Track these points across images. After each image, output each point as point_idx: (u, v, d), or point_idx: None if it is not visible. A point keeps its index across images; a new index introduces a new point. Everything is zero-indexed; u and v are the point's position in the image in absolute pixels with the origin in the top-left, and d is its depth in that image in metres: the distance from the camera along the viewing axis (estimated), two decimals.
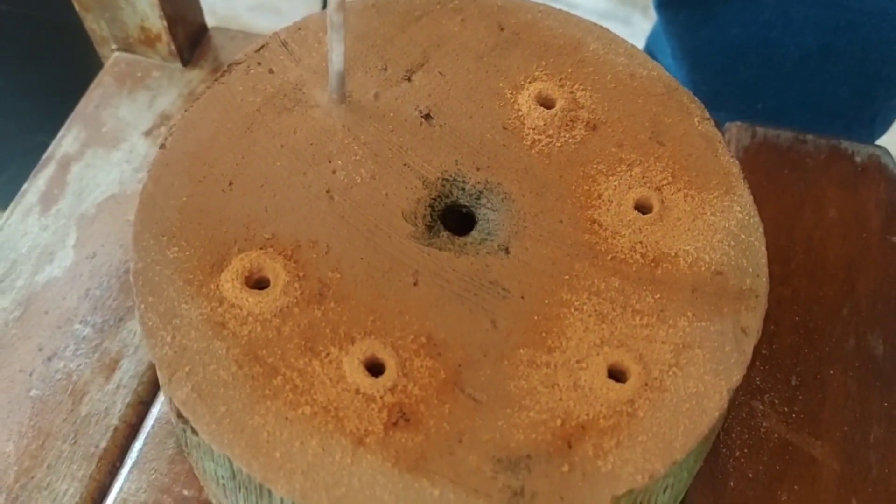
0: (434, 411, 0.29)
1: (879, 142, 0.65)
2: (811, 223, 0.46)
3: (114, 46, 0.52)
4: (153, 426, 0.39)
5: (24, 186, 0.47)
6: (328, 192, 0.33)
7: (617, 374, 0.30)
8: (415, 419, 0.28)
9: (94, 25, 0.51)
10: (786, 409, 0.40)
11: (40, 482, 0.38)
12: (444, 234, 0.33)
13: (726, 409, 0.30)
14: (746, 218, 0.33)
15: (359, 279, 0.31)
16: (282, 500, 0.28)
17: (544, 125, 0.35)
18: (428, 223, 0.33)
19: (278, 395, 0.28)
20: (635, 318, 0.31)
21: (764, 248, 0.33)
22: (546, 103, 0.36)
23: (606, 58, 0.37)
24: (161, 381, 0.30)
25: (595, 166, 0.34)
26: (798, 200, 0.47)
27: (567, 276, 0.32)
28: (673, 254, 0.32)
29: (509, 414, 0.29)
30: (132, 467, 0.38)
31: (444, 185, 0.34)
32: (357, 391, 0.29)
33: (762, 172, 0.47)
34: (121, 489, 0.38)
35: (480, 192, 0.34)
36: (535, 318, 0.31)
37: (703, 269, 0.32)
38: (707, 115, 0.36)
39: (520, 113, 0.36)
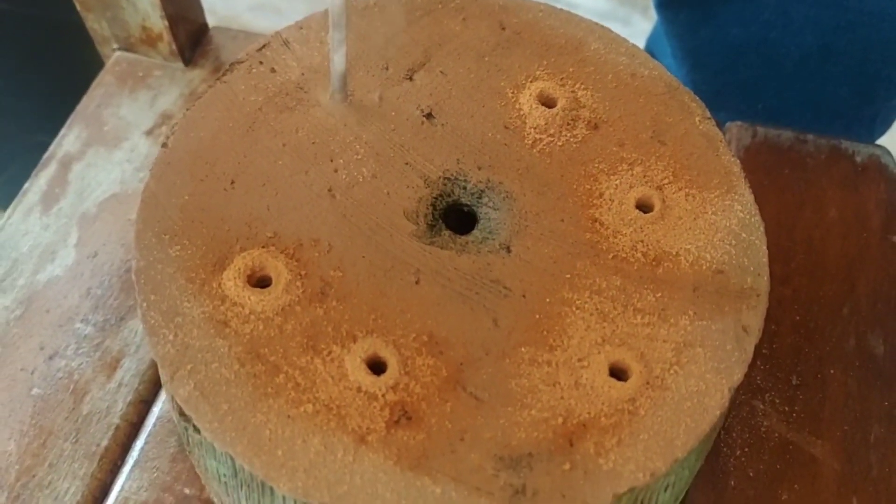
0: (436, 409, 0.29)
1: (880, 142, 0.65)
2: (811, 223, 0.46)
3: (115, 46, 0.52)
4: (154, 425, 0.39)
5: (26, 186, 0.47)
6: (330, 190, 0.33)
7: (618, 373, 0.30)
8: (416, 417, 0.28)
9: (96, 25, 0.51)
10: (786, 408, 0.40)
11: (42, 481, 0.38)
12: (446, 232, 0.33)
13: (727, 407, 0.30)
14: (747, 217, 0.33)
15: (360, 278, 0.31)
16: (284, 498, 0.28)
17: (546, 124, 0.35)
18: (429, 222, 0.33)
19: (280, 394, 0.28)
20: (637, 317, 0.31)
21: (765, 247, 0.33)
22: (547, 102, 0.36)
23: (608, 57, 0.37)
24: (163, 380, 0.30)
25: (596, 165, 0.34)
26: (798, 200, 0.47)
27: (568, 275, 0.32)
28: (674, 253, 0.32)
29: (511, 412, 0.29)
30: (133, 466, 0.38)
31: (445, 184, 0.34)
32: (359, 389, 0.29)
33: (762, 172, 0.48)
34: (122, 488, 0.38)
35: (482, 191, 0.34)
36: (537, 316, 0.31)
37: (704, 267, 0.32)
38: (708, 114, 0.36)
39: (521, 112, 0.36)
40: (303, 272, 0.31)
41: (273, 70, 0.36)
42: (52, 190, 0.47)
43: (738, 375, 0.30)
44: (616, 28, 0.39)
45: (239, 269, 0.31)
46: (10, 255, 0.45)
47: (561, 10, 0.39)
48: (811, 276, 0.44)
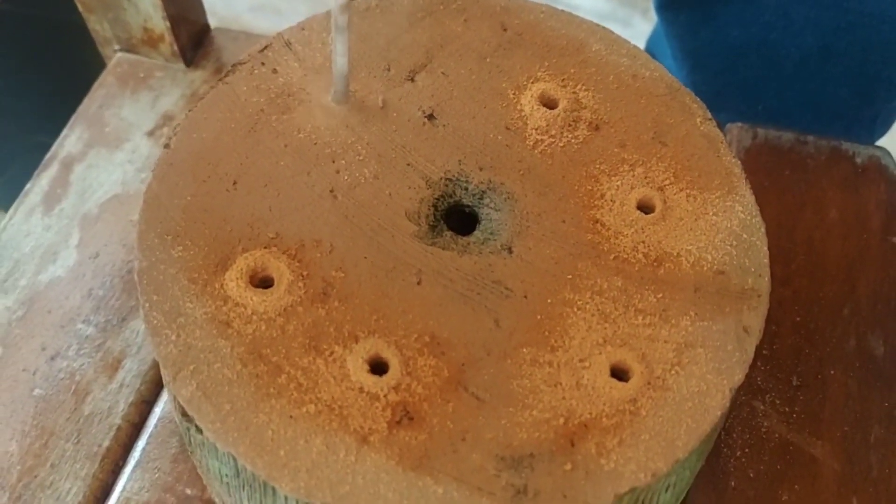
0: (437, 410, 0.29)
1: (880, 143, 0.65)
2: (812, 224, 0.46)
3: (116, 47, 0.52)
4: (156, 425, 0.40)
5: (27, 186, 0.47)
6: (332, 191, 0.33)
7: (619, 373, 0.30)
8: (418, 417, 0.28)
9: (97, 26, 0.51)
10: (787, 409, 0.40)
11: (43, 481, 0.38)
12: (448, 233, 0.33)
13: (728, 407, 0.30)
14: (748, 218, 0.33)
15: (362, 278, 0.31)
16: (286, 498, 0.28)
17: (547, 125, 0.35)
18: (431, 223, 0.33)
19: (283, 394, 0.29)
20: (638, 318, 0.31)
21: (766, 248, 0.33)
22: (549, 104, 0.36)
23: (609, 58, 0.37)
24: (165, 380, 0.30)
25: (598, 166, 0.34)
26: (799, 201, 0.47)
27: (570, 276, 0.32)
28: (675, 253, 0.32)
29: (512, 412, 0.29)
30: (135, 466, 0.38)
31: (447, 185, 0.34)
32: (361, 390, 0.29)
33: (763, 173, 0.48)
34: (124, 488, 0.38)
35: (483, 192, 0.34)
36: (538, 317, 0.31)
37: (705, 268, 0.32)
38: (709, 115, 0.36)
39: (523, 113, 0.36)
40: (305, 273, 0.31)
41: (275, 71, 0.36)
42: (54, 191, 0.47)
43: (738, 376, 0.30)
44: (616, 29, 0.39)
45: (241, 269, 0.31)
46: (11, 256, 0.45)
47: (562, 11, 0.39)
48: (811, 277, 0.44)
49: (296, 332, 0.30)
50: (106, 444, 0.39)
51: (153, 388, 0.41)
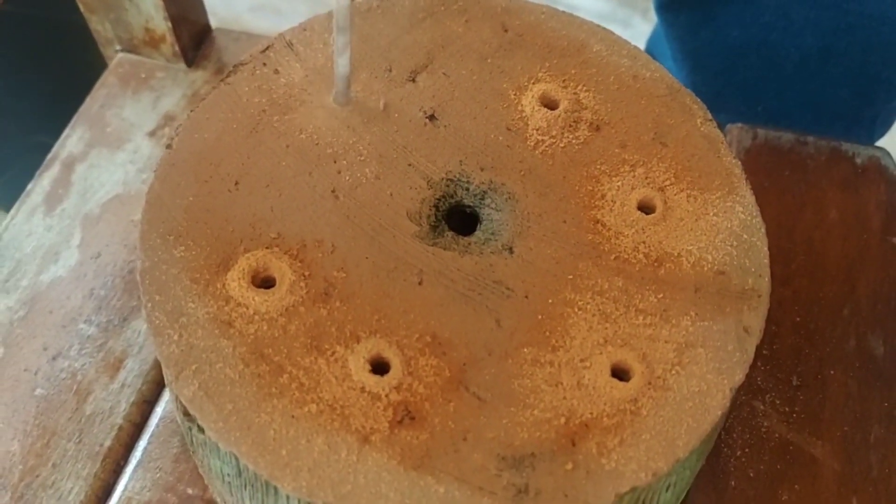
0: (439, 409, 0.29)
1: (880, 143, 0.65)
2: (812, 224, 0.46)
3: (118, 47, 0.52)
4: (157, 425, 0.40)
5: (29, 186, 0.48)
6: (333, 192, 0.33)
7: (620, 373, 0.30)
8: (420, 417, 0.29)
9: (99, 26, 0.51)
10: (787, 409, 0.40)
11: (45, 481, 0.38)
12: (449, 233, 0.33)
13: (729, 407, 0.30)
14: (749, 218, 0.34)
15: (364, 278, 0.31)
16: (288, 497, 0.28)
17: (548, 126, 0.35)
18: (432, 223, 0.33)
19: (284, 394, 0.29)
20: (638, 318, 0.31)
21: (766, 249, 0.33)
22: (549, 104, 0.36)
23: (610, 59, 0.37)
24: (167, 380, 0.30)
25: (598, 167, 0.35)
26: (799, 202, 0.47)
27: (571, 276, 0.32)
28: (676, 254, 0.33)
29: (513, 412, 0.29)
30: (136, 466, 0.39)
31: (448, 186, 0.34)
32: (362, 389, 0.29)
33: (763, 174, 0.48)
34: (125, 488, 0.38)
35: (484, 193, 0.34)
36: (539, 317, 0.31)
37: (705, 268, 0.32)
38: (709, 116, 0.36)
39: (523, 114, 0.36)
40: (306, 273, 0.31)
41: (276, 71, 0.36)
42: (56, 191, 0.47)
43: (739, 376, 0.30)
44: (616, 30, 0.39)
45: (243, 269, 0.31)
46: (13, 256, 0.45)
47: (563, 12, 0.39)
48: (811, 277, 0.44)
49: (297, 332, 0.30)
50: (107, 443, 0.39)
51: (154, 388, 0.41)
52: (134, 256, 0.44)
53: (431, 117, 0.36)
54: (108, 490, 0.39)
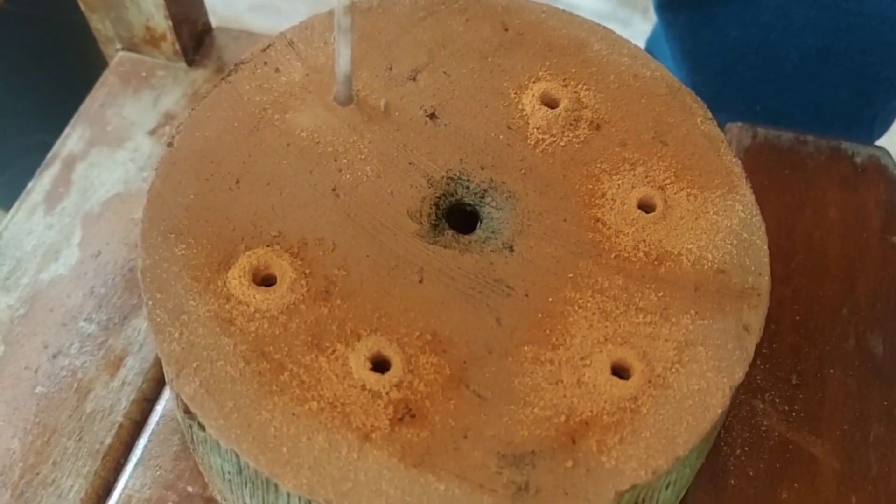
0: (439, 407, 0.29)
1: (879, 143, 0.65)
2: (811, 223, 0.46)
3: (118, 46, 0.52)
4: (158, 423, 0.40)
5: (30, 185, 0.48)
6: (334, 190, 0.33)
7: (620, 371, 0.30)
8: (420, 415, 0.29)
9: (100, 25, 0.51)
10: (786, 407, 0.41)
11: (45, 478, 0.38)
12: (449, 232, 0.33)
13: (728, 405, 0.30)
14: (749, 217, 0.34)
15: (364, 276, 0.31)
16: (288, 494, 0.28)
17: (548, 125, 0.35)
18: (433, 221, 0.33)
19: (285, 391, 0.29)
20: (639, 316, 0.31)
21: (766, 247, 0.33)
22: (550, 103, 0.36)
23: (610, 58, 0.37)
24: (168, 377, 0.30)
25: (599, 165, 0.35)
26: (798, 201, 0.47)
27: (571, 274, 0.32)
28: (676, 252, 0.33)
29: (514, 410, 0.29)
30: (137, 464, 0.39)
31: (448, 184, 0.34)
32: (363, 387, 0.29)
33: (763, 173, 0.48)
34: (125, 486, 0.38)
35: (485, 191, 0.34)
36: (540, 315, 0.31)
37: (705, 267, 0.32)
38: (710, 115, 0.36)
39: (524, 113, 0.36)
40: (307, 271, 0.31)
41: (277, 70, 0.36)
42: (56, 189, 0.47)
43: (739, 374, 0.30)
44: (616, 29, 0.39)
45: (244, 267, 0.31)
46: (13, 254, 0.45)
47: (563, 11, 0.39)
48: (811, 276, 0.44)
49: (298, 330, 0.30)
50: (108, 441, 0.39)
51: (155, 386, 0.41)
52: (134, 255, 0.44)
53: (432, 116, 0.36)
54: (108, 488, 0.39)
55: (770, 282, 0.32)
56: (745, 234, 0.33)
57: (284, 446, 0.28)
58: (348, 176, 0.34)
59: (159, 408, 0.40)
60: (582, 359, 0.30)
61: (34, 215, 0.46)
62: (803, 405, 0.41)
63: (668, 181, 0.34)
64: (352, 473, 0.27)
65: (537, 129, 0.35)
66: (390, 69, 0.37)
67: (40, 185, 0.48)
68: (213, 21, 0.54)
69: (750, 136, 0.49)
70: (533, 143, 0.35)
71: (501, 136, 0.35)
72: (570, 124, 0.35)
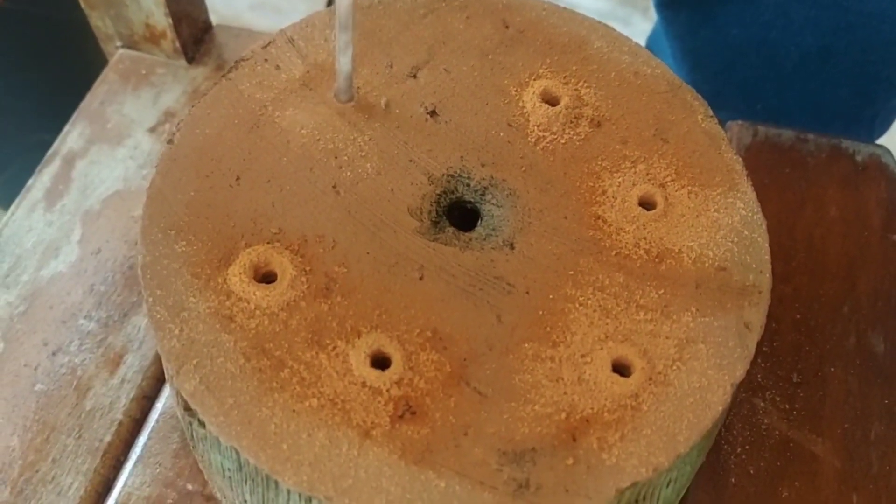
0: (440, 404, 0.29)
1: (880, 141, 0.65)
2: (812, 221, 0.46)
3: (118, 43, 0.52)
4: (157, 421, 0.40)
5: (30, 182, 0.47)
6: (334, 187, 0.33)
7: (621, 369, 0.30)
8: (421, 412, 0.29)
9: (100, 22, 0.51)
10: (787, 406, 0.40)
11: (45, 476, 0.38)
12: (450, 229, 0.33)
13: (729, 403, 0.30)
14: (749, 214, 0.34)
15: (365, 273, 0.31)
16: (288, 491, 0.28)
17: (549, 122, 0.35)
18: (433, 219, 0.33)
19: (285, 388, 0.29)
20: (639, 314, 0.31)
21: (767, 245, 0.33)
22: (550, 100, 0.36)
23: (611, 55, 0.37)
24: (168, 374, 0.30)
25: (599, 163, 0.35)
26: (799, 199, 0.47)
27: (572, 272, 0.32)
28: (677, 250, 0.33)
29: (514, 407, 0.29)
30: (136, 462, 0.39)
31: (449, 181, 0.34)
32: (363, 384, 0.29)
33: (763, 171, 0.48)
34: (125, 483, 0.38)
35: (485, 189, 0.34)
36: (540, 312, 0.31)
37: (706, 264, 0.32)
38: (710, 112, 0.36)
39: (524, 110, 0.36)
40: (307, 268, 0.31)
41: (278, 67, 0.36)
42: (56, 187, 0.47)
43: (740, 371, 0.30)
44: (616, 28, 0.39)
45: (244, 264, 0.31)
46: (13, 252, 0.45)
47: (564, 8, 0.39)
48: (812, 274, 0.44)
49: (298, 327, 0.30)
50: (107, 439, 0.39)
51: (154, 384, 0.41)
52: (134, 252, 0.44)
53: (432, 113, 0.36)
54: (107, 485, 0.39)
55: (771, 279, 0.32)
56: (746, 232, 0.33)
57: (285, 443, 0.28)
58: (349, 173, 0.34)
59: (159, 405, 0.40)
60: (583, 356, 0.30)
61: (34, 212, 0.46)
62: (804, 403, 0.41)
63: (668, 178, 0.34)
64: (352, 470, 0.27)
65: (538, 126, 0.35)
66: (391, 66, 0.37)
67: (40, 182, 0.47)
68: (214, 20, 0.54)
69: (750, 134, 0.49)
70: (533, 140, 0.35)
71: (502, 134, 0.35)
72: (571, 122, 0.35)
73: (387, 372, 0.29)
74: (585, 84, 0.36)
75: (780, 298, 0.43)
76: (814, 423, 0.40)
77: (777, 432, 0.40)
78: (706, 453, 0.35)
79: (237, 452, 0.28)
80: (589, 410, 0.29)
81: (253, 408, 0.28)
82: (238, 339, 0.29)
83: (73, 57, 0.72)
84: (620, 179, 0.34)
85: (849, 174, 0.48)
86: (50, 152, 0.49)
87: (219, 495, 0.35)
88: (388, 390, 0.29)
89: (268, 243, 0.32)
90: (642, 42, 0.75)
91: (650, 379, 0.30)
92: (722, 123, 0.36)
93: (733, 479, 0.39)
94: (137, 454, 0.39)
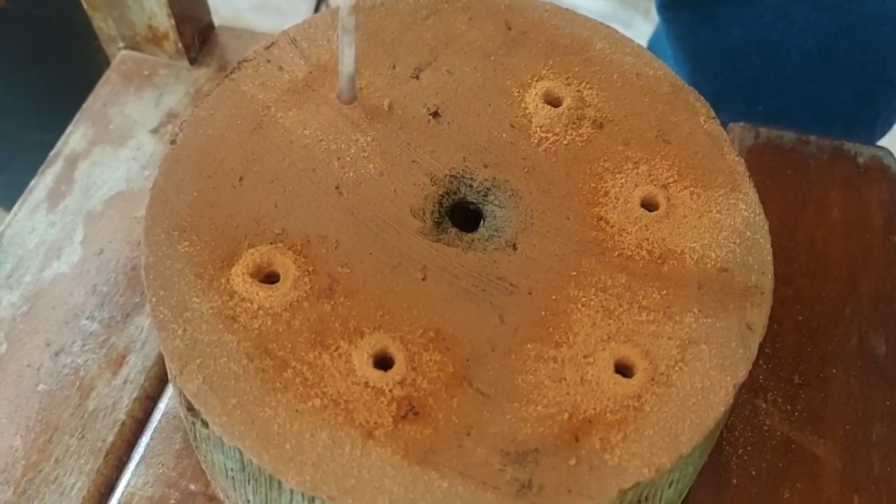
0: (442, 405, 0.29)
1: (882, 143, 0.65)
2: (814, 223, 0.46)
3: (121, 44, 0.52)
4: (160, 421, 0.40)
5: (32, 183, 0.48)
6: (337, 188, 0.33)
7: (623, 369, 0.30)
8: (423, 412, 0.29)
9: (102, 24, 0.51)
10: (789, 407, 0.41)
11: (48, 476, 0.38)
12: (452, 230, 0.33)
13: (732, 404, 0.30)
14: (752, 216, 0.34)
15: (368, 274, 0.31)
16: (292, 491, 0.28)
17: (551, 123, 0.35)
18: (436, 219, 0.33)
19: (289, 388, 0.29)
20: (642, 314, 0.31)
21: (769, 246, 0.33)
22: (553, 102, 0.36)
23: (613, 57, 0.37)
24: (171, 374, 0.30)
25: (602, 164, 0.35)
26: (801, 201, 0.47)
27: (574, 273, 0.32)
28: (679, 251, 0.33)
29: (517, 408, 0.29)
30: (139, 462, 0.39)
31: (452, 182, 0.34)
32: (366, 384, 0.29)
33: (765, 173, 0.48)
34: (128, 483, 0.38)
35: (488, 189, 0.34)
36: (543, 313, 0.31)
37: (708, 265, 0.32)
38: (713, 114, 0.36)
39: (527, 111, 0.36)
40: (310, 268, 0.31)
41: (281, 68, 0.36)
42: (59, 187, 0.47)
43: (742, 372, 0.30)
44: (617, 30, 0.39)
45: (247, 265, 0.31)
46: (16, 252, 0.45)
47: (566, 9, 0.39)
48: (814, 276, 0.44)
49: (301, 327, 0.30)
50: (110, 439, 0.39)
51: (157, 384, 0.41)
52: (136, 253, 0.44)
53: (435, 114, 0.36)
54: (110, 485, 0.39)
55: (773, 280, 0.32)
56: (748, 233, 0.33)
57: (288, 443, 0.28)
58: (351, 174, 0.34)
59: (161, 405, 0.40)
60: (585, 357, 0.30)
61: (37, 213, 0.46)
62: (806, 405, 0.41)
63: (671, 180, 0.34)
64: (355, 470, 0.27)
65: (540, 127, 0.35)
66: (393, 67, 0.37)
67: (43, 183, 0.48)
68: (215, 21, 0.54)
69: (752, 136, 0.49)
70: (536, 141, 0.35)
71: (504, 135, 0.35)
72: (573, 123, 0.35)
73: (389, 372, 0.29)
74: (588, 85, 0.37)
75: (782, 300, 0.43)
76: (815, 424, 0.40)
77: (779, 433, 0.40)
78: (708, 454, 0.35)
79: (240, 452, 0.28)
80: (591, 411, 0.29)
81: (256, 408, 0.28)
82: (241, 340, 0.29)
83: (75, 57, 0.72)
84: (623, 180, 0.34)
85: (850, 176, 0.48)
86: (52, 153, 0.49)
87: (222, 496, 0.35)
88: (390, 391, 0.29)
89: (271, 244, 0.32)
90: (643, 44, 0.75)
91: (652, 380, 0.30)
92: (723, 125, 0.36)
93: (735, 480, 0.39)
94: (140, 454, 0.39)
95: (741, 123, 0.50)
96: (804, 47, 0.59)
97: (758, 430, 0.40)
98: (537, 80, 0.37)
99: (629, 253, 0.32)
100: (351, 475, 0.27)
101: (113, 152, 0.49)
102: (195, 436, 0.33)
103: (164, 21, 0.49)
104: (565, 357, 0.30)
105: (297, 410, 0.28)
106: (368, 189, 0.33)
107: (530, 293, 0.31)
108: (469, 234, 0.33)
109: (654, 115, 0.36)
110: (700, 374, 0.30)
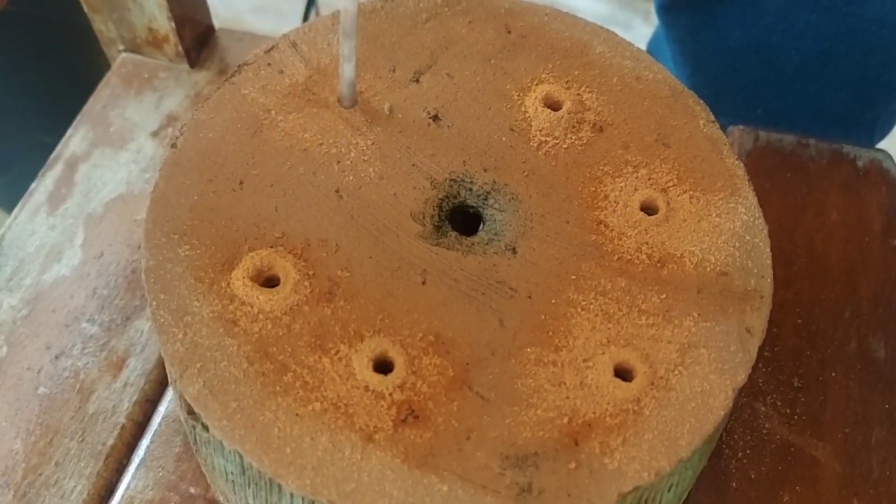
0: (442, 409, 0.29)
1: (882, 146, 0.65)
2: (813, 227, 0.46)
3: (121, 47, 0.52)
4: (160, 424, 0.40)
5: (32, 186, 0.48)
6: (337, 191, 0.33)
7: (623, 373, 0.30)
8: (423, 416, 0.29)
9: (102, 26, 0.51)
10: (788, 410, 0.41)
11: (48, 479, 0.38)
12: (452, 234, 0.33)
13: (731, 408, 0.30)
14: (751, 219, 0.34)
15: (368, 278, 0.31)
16: (292, 495, 0.28)
17: (551, 127, 0.35)
18: (436, 223, 0.33)
19: (289, 392, 0.29)
20: (641, 318, 0.31)
21: (768, 250, 0.33)
22: (553, 105, 0.36)
23: (613, 60, 0.37)
24: (171, 378, 0.30)
25: (601, 168, 0.35)
26: (800, 204, 0.47)
27: (574, 276, 0.32)
28: (678, 254, 0.33)
29: (517, 411, 0.29)
30: (139, 465, 0.39)
31: (451, 186, 0.34)
32: (366, 388, 0.29)
33: (764, 176, 0.48)
34: (128, 487, 0.38)
35: (488, 193, 0.34)
36: (542, 317, 0.31)
37: (708, 269, 0.32)
38: (712, 117, 0.36)
39: (527, 115, 0.36)
40: (310, 272, 0.31)
41: (281, 72, 0.36)
42: (59, 190, 0.47)
43: (741, 376, 0.30)
44: (617, 33, 0.39)
45: (247, 268, 0.31)
46: (16, 255, 0.45)
47: (566, 13, 0.39)
48: (813, 279, 0.44)
49: (302, 331, 0.30)
50: (110, 442, 0.40)
51: (157, 388, 0.41)
52: (137, 256, 0.45)
53: (435, 118, 0.36)
54: (110, 489, 0.39)
55: (773, 284, 0.32)
56: (747, 237, 0.33)
57: (288, 447, 0.28)
58: (351, 178, 0.34)
59: (161, 409, 0.40)
60: (585, 361, 0.30)
61: (37, 216, 0.46)
62: (805, 408, 0.41)
63: (670, 183, 0.34)
64: (355, 474, 0.27)
65: (540, 131, 0.35)
66: (393, 71, 0.37)
67: (43, 185, 0.48)
68: (215, 23, 0.54)
69: (752, 139, 0.49)
70: (536, 145, 0.35)
71: (504, 139, 0.35)
72: (573, 127, 0.36)
73: (389, 376, 0.29)
74: (587, 89, 0.37)
75: (782, 303, 0.43)
76: (815, 427, 0.40)
77: (778, 437, 0.40)
78: (707, 458, 0.35)
79: (240, 456, 0.28)
80: (591, 415, 0.29)
81: (256, 412, 0.28)
82: (241, 343, 0.30)
83: (75, 59, 0.72)
84: (622, 184, 0.34)
85: (850, 179, 0.48)
86: (53, 156, 0.49)
87: (222, 499, 0.35)
88: (390, 394, 0.29)
89: (271, 247, 0.32)
90: (643, 47, 0.75)
91: (652, 383, 0.30)
92: (723, 128, 0.36)
93: (734, 484, 0.39)
94: (140, 458, 0.39)
95: (740, 127, 0.50)
96: (804, 49, 0.59)
97: (757, 433, 0.40)
98: (537, 84, 0.37)
99: (629, 257, 0.33)
100: (351, 479, 0.27)
101: (113, 155, 0.49)
102: (195, 439, 0.33)
103: (164, 24, 0.49)
104: (565, 361, 0.30)
105: (297, 414, 0.28)
106: (368, 193, 0.34)
107: (530, 297, 0.32)
108: (469, 238, 0.33)
109: (653, 118, 0.36)
110: (699, 377, 0.30)
